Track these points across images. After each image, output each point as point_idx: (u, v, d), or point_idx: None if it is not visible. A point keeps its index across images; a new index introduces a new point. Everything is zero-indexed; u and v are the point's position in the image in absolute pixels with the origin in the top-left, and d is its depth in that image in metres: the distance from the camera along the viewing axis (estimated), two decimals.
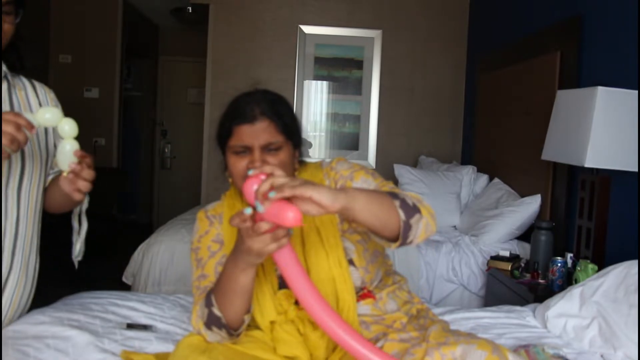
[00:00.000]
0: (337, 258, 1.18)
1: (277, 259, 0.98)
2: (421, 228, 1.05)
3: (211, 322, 1.11)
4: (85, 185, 1.12)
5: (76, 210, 1.41)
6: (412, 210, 1.03)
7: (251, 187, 0.94)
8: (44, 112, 1.08)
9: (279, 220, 0.89)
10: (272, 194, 0.89)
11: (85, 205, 1.40)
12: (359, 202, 0.95)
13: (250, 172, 0.97)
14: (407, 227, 1.02)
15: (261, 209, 0.90)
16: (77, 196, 1.13)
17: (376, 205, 0.98)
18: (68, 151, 1.10)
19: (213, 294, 1.11)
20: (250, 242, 0.96)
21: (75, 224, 1.41)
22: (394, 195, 1.04)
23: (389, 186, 1.20)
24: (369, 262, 1.22)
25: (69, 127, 1.09)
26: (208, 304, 1.11)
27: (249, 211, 0.93)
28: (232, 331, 1.12)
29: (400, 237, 1.02)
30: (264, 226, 0.93)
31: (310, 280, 0.98)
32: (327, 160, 1.33)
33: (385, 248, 1.34)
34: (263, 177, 0.94)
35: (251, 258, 1.00)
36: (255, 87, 1.25)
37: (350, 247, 1.21)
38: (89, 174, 1.13)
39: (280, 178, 0.91)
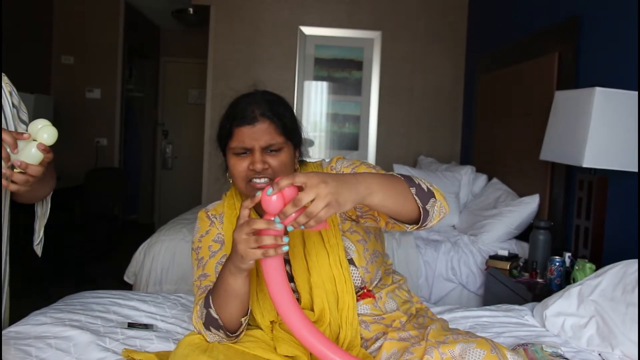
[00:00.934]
0: (338, 258, 1.19)
1: (263, 267, 0.98)
2: (436, 211, 1.07)
3: (209, 323, 1.11)
4: (20, 179, 1.05)
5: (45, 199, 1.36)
6: (427, 195, 1.05)
7: (270, 198, 0.91)
8: (37, 123, 1.05)
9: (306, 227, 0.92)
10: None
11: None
12: (377, 197, 0.96)
13: (269, 192, 0.92)
14: (425, 213, 1.04)
15: (280, 226, 0.92)
16: (11, 187, 1.05)
17: (393, 198, 0.99)
18: (32, 154, 1.04)
19: (211, 296, 1.11)
20: (237, 238, 0.97)
21: (38, 209, 1.35)
22: (410, 181, 1.05)
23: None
24: (369, 262, 1.23)
25: (47, 136, 1.05)
26: (206, 305, 1.11)
27: (279, 224, 0.92)
28: (230, 333, 1.12)
29: (420, 222, 1.05)
30: (259, 224, 0.94)
31: (292, 294, 0.98)
32: (327, 160, 1.34)
33: (384, 247, 1.35)
34: (286, 190, 0.92)
35: (237, 259, 0.99)
36: (254, 88, 1.25)
37: (351, 246, 1.22)
38: (36, 170, 1.05)
39: (304, 200, 0.88)
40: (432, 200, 1.06)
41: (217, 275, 1.20)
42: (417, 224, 1.05)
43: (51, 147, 1.07)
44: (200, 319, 1.13)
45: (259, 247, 0.95)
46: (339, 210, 0.89)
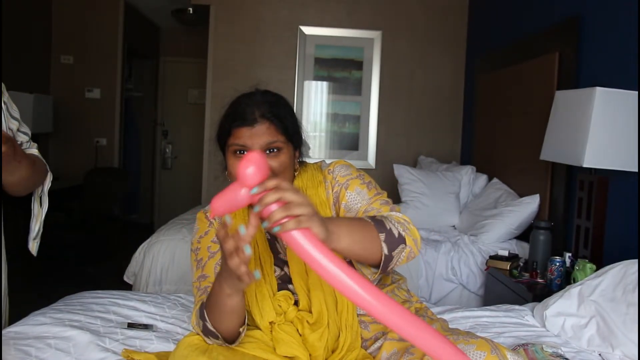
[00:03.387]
0: None
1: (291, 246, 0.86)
2: (403, 257, 1.07)
3: (207, 333, 1.10)
4: None
5: (37, 193, 1.34)
6: (396, 241, 1.05)
7: (245, 169, 0.84)
8: None
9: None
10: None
11: (47, 185, 1.34)
12: (344, 241, 0.95)
13: (253, 191, 0.84)
14: (389, 259, 1.05)
15: (257, 209, 0.84)
16: None
17: (359, 244, 0.99)
18: None
19: (205, 309, 1.09)
20: (228, 260, 0.91)
21: (35, 207, 1.34)
22: (380, 225, 1.05)
23: (380, 200, 1.20)
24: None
25: None
26: (202, 317, 1.10)
27: (243, 231, 0.87)
28: (228, 343, 1.11)
29: (381, 268, 1.05)
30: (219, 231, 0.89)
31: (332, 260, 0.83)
32: (328, 161, 1.34)
33: None
34: (255, 159, 0.84)
35: (234, 281, 0.94)
36: (255, 88, 1.24)
37: None
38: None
39: (290, 196, 0.83)
40: (401, 246, 1.06)
41: (216, 277, 1.19)
42: (378, 268, 1.06)
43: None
44: (197, 326, 1.12)
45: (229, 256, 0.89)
46: (307, 226, 0.84)
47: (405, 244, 1.06)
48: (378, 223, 1.05)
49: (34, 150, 1.35)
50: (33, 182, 1.29)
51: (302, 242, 0.82)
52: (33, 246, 1.36)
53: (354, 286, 0.80)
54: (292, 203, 0.84)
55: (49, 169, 1.35)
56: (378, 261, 1.05)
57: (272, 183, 0.85)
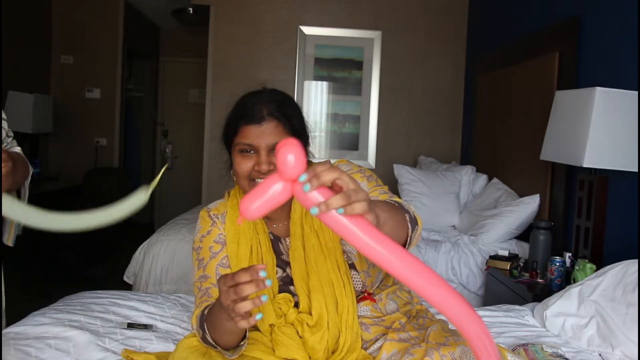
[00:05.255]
0: (336, 262, 1.18)
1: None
2: (415, 239, 1.07)
3: (206, 342, 1.09)
4: None
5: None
6: (414, 223, 1.05)
7: (286, 157, 0.73)
8: None
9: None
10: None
11: (28, 179, 1.31)
12: (386, 227, 0.90)
13: (306, 189, 0.73)
14: (410, 241, 1.04)
15: (315, 211, 0.73)
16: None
17: (396, 230, 0.97)
18: None
19: (206, 322, 1.06)
20: (220, 288, 0.91)
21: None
22: (402, 207, 1.05)
23: (379, 190, 1.19)
24: (370, 266, 1.21)
25: None
26: (202, 327, 1.08)
27: (264, 274, 0.85)
28: (227, 352, 1.09)
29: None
30: (242, 276, 0.87)
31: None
32: (332, 161, 1.33)
33: None
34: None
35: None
36: (263, 86, 1.24)
37: (352, 250, 1.20)
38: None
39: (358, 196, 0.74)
40: (417, 228, 1.05)
41: (217, 277, 1.18)
42: None
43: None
44: (197, 333, 1.11)
45: (241, 299, 0.87)
46: (368, 213, 0.75)
47: (417, 225, 1.06)
48: (400, 205, 1.05)
49: (17, 148, 1.34)
50: (24, 180, 1.28)
51: (356, 227, 0.74)
52: (9, 238, 1.30)
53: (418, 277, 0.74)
54: (349, 188, 0.74)
55: (29, 164, 1.33)
56: (402, 244, 1.02)
57: (322, 167, 0.74)
